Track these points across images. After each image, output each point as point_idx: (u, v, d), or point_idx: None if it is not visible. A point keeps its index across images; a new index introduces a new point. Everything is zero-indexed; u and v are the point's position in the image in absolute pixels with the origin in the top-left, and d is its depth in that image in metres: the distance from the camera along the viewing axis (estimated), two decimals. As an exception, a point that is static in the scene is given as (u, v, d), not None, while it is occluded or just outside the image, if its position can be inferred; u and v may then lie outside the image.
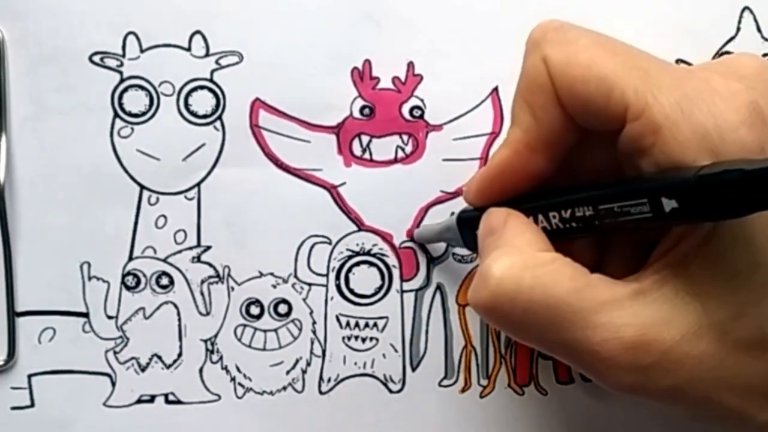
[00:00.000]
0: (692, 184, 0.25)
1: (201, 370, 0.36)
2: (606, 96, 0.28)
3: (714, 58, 0.39)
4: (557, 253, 0.29)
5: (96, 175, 0.35)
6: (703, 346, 0.27)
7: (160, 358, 0.36)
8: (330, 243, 0.37)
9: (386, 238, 0.37)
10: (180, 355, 0.36)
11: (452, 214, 0.36)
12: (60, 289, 0.36)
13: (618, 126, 0.28)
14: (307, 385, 0.37)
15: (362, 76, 0.37)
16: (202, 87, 0.36)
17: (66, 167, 0.35)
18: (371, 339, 0.37)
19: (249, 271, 0.36)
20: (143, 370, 0.36)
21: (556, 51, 0.29)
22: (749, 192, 0.24)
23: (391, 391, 0.37)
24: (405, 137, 0.37)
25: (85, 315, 0.36)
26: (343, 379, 0.37)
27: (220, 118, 0.36)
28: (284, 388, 0.37)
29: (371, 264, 0.37)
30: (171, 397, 0.36)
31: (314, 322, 0.37)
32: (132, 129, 0.36)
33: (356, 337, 0.37)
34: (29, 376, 0.36)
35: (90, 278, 0.36)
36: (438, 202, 0.37)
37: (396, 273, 0.37)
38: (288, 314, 0.37)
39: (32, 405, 0.36)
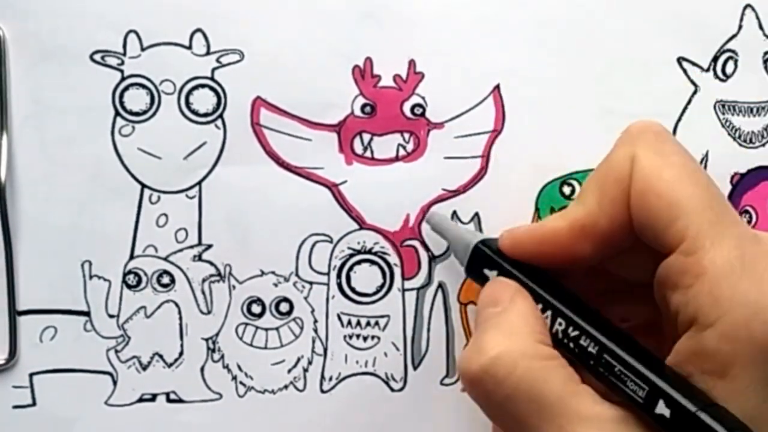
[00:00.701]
0: (692, 414, 0.26)
1: (202, 369, 0.36)
2: (671, 220, 0.28)
3: (716, 55, 0.39)
4: (555, 351, 0.30)
5: (97, 173, 0.35)
6: None
7: (161, 356, 0.36)
8: (331, 241, 0.37)
9: (387, 236, 0.37)
10: (181, 353, 0.36)
11: (452, 214, 0.36)
12: (61, 287, 0.36)
13: (668, 251, 0.29)
14: (309, 384, 0.37)
15: (363, 74, 0.37)
16: (203, 85, 0.36)
17: (67, 166, 0.35)
18: (373, 337, 0.37)
19: (250, 270, 0.36)
20: (144, 368, 0.36)
21: (646, 155, 0.30)
22: None
23: (392, 390, 0.37)
24: (406, 135, 0.37)
25: (87, 314, 0.36)
26: (344, 378, 0.37)
27: (221, 116, 0.36)
28: (285, 387, 0.37)
29: (372, 262, 0.37)
30: (172, 396, 0.36)
31: (315, 321, 0.37)
32: (133, 127, 0.36)
33: (358, 336, 0.37)
34: (31, 375, 0.35)
35: (91, 277, 0.36)
36: (439, 200, 0.37)
37: (397, 271, 0.37)
38: (289, 313, 0.37)
39: (34, 404, 0.36)
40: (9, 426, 0.35)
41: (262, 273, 0.37)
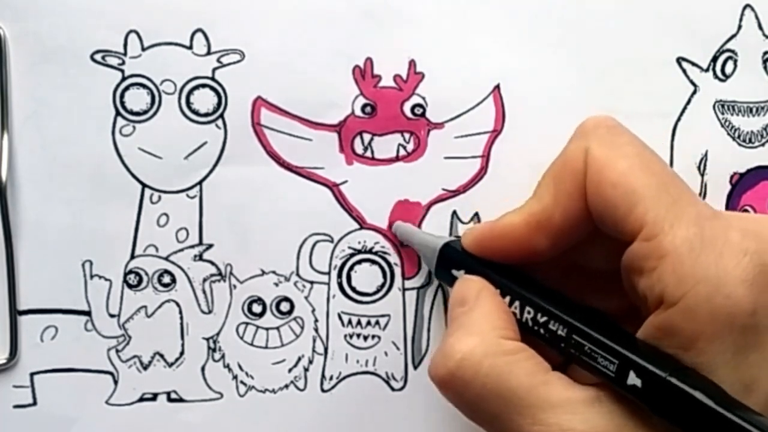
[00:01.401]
0: (662, 380, 0.26)
1: (203, 369, 0.36)
2: (629, 208, 0.29)
3: (715, 55, 0.39)
4: (521, 344, 0.30)
5: (98, 173, 0.35)
6: None
7: (162, 356, 0.36)
8: (332, 241, 0.37)
9: (388, 236, 0.37)
10: (182, 353, 0.36)
11: (452, 214, 0.36)
12: (62, 287, 0.36)
13: (629, 239, 0.29)
14: (309, 383, 0.37)
15: (364, 74, 0.37)
16: (203, 85, 0.36)
17: (68, 165, 0.35)
18: (373, 337, 0.37)
19: (251, 270, 0.36)
20: (145, 368, 0.36)
21: (599, 147, 0.30)
22: (708, 426, 0.25)
23: (393, 389, 0.37)
24: (406, 135, 0.37)
25: (87, 313, 0.36)
26: (345, 377, 0.37)
27: (221, 116, 0.36)
28: (286, 386, 0.37)
29: (373, 262, 0.37)
30: (173, 396, 0.36)
31: (316, 320, 0.37)
32: (134, 127, 0.36)
33: (358, 335, 0.37)
34: (31, 375, 0.36)
35: (92, 276, 0.36)
36: (440, 200, 0.37)
37: (398, 271, 0.37)
38: (290, 312, 0.37)
39: (35, 403, 0.36)
40: (10, 425, 0.35)
41: (263, 272, 0.37)
